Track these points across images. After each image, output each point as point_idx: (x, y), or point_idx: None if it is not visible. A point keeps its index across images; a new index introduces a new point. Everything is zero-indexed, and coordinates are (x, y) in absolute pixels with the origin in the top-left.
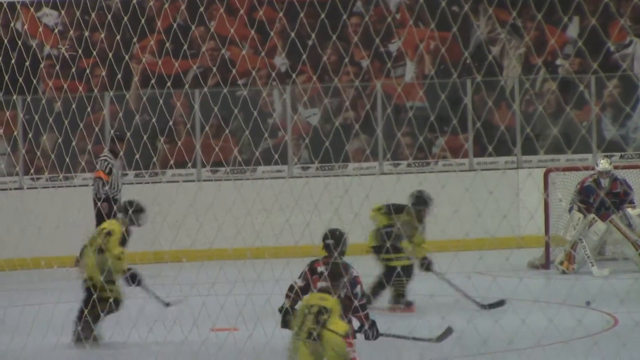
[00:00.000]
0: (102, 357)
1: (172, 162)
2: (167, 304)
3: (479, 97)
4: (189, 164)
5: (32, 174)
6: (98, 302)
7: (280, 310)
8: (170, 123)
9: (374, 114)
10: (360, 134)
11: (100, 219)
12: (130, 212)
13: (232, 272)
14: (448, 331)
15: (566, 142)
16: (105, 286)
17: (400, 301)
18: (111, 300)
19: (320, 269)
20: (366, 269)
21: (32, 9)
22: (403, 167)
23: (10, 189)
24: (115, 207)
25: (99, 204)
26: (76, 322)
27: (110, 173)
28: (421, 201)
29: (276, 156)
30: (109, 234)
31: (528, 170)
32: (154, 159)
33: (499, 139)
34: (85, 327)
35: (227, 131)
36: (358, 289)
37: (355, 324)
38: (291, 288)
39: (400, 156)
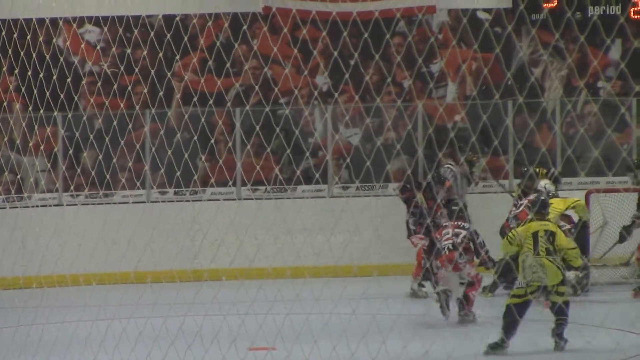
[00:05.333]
0: None
1: (212, 180)
2: None
3: (521, 119)
4: (230, 183)
5: (72, 191)
6: None
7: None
8: (212, 141)
9: (415, 135)
10: (401, 154)
11: None
12: None
13: (272, 291)
14: None
15: (607, 165)
16: None
17: None
18: None
19: None
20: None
21: (74, 26)
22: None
23: (50, 206)
24: None
25: None
26: None
27: None
28: None
29: (317, 175)
30: None
31: (568, 192)
32: (195, 177)
33: (540, 161)
34: None
35: (268, 150)
36: None
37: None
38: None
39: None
